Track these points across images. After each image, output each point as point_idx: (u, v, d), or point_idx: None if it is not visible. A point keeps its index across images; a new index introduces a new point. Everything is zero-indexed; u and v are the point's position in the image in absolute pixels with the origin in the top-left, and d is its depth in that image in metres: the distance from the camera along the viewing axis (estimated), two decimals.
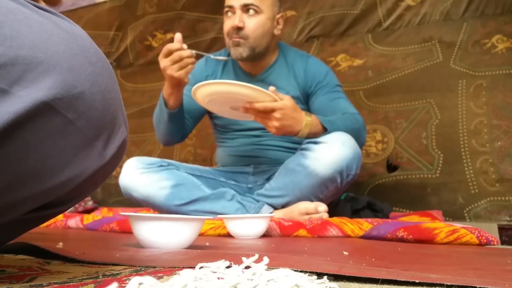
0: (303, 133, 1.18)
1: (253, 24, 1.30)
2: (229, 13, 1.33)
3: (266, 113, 1.14)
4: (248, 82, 1.16)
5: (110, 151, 0.37)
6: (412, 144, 1.64)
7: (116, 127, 0.37)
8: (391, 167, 1.67)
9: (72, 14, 2.35)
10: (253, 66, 1.40)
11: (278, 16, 1.37)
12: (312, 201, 1.15)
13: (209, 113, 1.45)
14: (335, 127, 1.20)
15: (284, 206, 1.17)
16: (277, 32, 1.37)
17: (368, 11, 1.80)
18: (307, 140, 1.19)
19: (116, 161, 0.39)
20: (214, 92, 1.15)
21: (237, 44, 1.31)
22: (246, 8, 1.30)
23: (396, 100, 1.70)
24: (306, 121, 1.17)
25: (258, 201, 1.19)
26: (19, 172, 0.31)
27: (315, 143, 1.16)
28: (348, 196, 1.39)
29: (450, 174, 1.56)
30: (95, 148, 0.35)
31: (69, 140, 0.33)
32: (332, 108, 1.31)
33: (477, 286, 0.35)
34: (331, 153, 1.13)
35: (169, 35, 2.21)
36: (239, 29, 1.29)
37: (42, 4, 0.39)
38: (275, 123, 1.14)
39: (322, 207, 1.11)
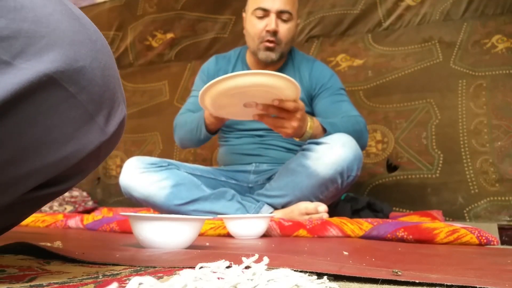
0: (307, 135, 1.17)
1: (285, 29, 1.33)
2: (260, 15, 1.33)
3: (290, 112, 1.08)
4: None
5: (112, 127, 0.37)
6: (412, 144, 1.64)
7: (116, 104, 0.38)
8: (391, 167, 1.67)
9: None
10: (264, 68, 1.41)
11: (298, 21, 1.42)
12: (312, 201, 1.15)
13: None
14: (335, 129, 1.20)
15: (284, 206, 1.17)
16: (296, 36, 1.40)
17: (368, 11, 1.80)
18: (309, 141, 1.19)
19: (117, 138, 0.39)
20: (239, 85, 1.00)
21: (271, 49, 1.33)
22: (281, 14, 1.32)
23: (396, 100, 1.70)
24: (310, 123, 1.17)
25: (258, 201, 1.19)
26: (21, 145, 0.32)
27: (317, 143, 1.16)
28: (348, 196, 1.39)
29: (450, 174, 1.56)
30: (96, 124, 0.36)
31: (71, 113, 0.33)
32: (334, 111, 1.31)
33: (477, 286, 0.35)
34: (332, 153, 1.13)
35: (169, 35, 2.21)
36: (274, 33, 1.31)
37: None
38: (294, 124, 1.09)
39: (322, 207, 1.11)
